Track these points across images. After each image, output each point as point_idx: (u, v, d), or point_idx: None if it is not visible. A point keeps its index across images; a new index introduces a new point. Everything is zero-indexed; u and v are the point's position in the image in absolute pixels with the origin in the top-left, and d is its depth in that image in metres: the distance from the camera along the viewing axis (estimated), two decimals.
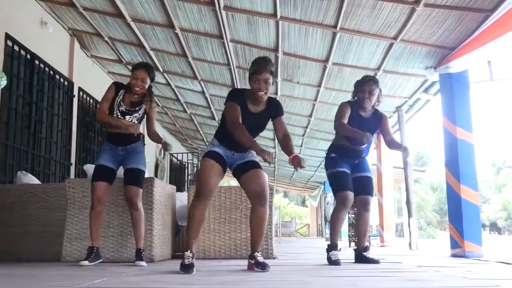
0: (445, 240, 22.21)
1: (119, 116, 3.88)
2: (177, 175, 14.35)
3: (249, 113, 3.26)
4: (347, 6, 4.71)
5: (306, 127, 9.47)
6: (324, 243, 11.64)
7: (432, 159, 42.40)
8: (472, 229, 5.13)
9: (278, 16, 5.23)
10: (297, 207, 36.98)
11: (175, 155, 14.14)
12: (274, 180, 18.79)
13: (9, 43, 5.60)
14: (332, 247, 3.96)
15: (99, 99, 8.10)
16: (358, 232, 4.11)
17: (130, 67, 8.12)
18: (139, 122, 3.99)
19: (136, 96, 3.90)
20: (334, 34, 5.41)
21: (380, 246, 8.93)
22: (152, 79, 3.93)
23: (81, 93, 7.60)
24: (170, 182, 12.74)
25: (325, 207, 15.24)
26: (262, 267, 3.16)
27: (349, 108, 3.94)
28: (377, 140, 8.25)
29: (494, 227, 36.25)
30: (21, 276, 2.85)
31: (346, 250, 7.29)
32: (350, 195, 3.90)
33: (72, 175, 7.11)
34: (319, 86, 7.05)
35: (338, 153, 4.04)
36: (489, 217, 36.97)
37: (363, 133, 3.66)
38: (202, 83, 8.14)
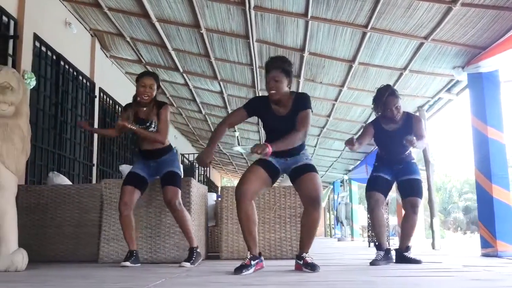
0: (457, 239, 22.14)
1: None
2: (187, 176, 14.33)
3: (276, 117, 3.24)
4: (382, 6, 4.70)
5: (323, 127, 9.47)
6: (338, 244, 11.67)
7: (435, 159, 42.38)
8: (505, 228, 5.11)
9: (309, 16, 5.23)
10: None
11: (186, 155, 14.14)
12: None
13: (37, 44, 5.59)
14: (377, 247, 3.96)
15: (118, 100, 8.24)
16: (403, 233, 4.09)
17: (149, 68, 8.14)
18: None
19: (144, 109, 3.85)
20: (364, 34, 5.41)
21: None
22: (158, 87, 3.90)
23: (101, 94, 7.59)
24: None
25: (337, 207, 15.24)
26: (312, 268, 3.14)
27: (371, 129, 4.06)
28: None
29: None
30: (78, 277, 2.84)
31: (366, 250, 7.29)
32: (375, 194, 3.99)
33: (94, 176, 7.10)
34: (342, 86, 7.05)
35: (380, 161, 4.15)
36: None
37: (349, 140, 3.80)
38: (221, 83, 8.13)
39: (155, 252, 4.32)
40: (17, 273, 3.20)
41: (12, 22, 5.12)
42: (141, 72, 3.97)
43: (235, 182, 30.07)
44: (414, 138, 3.67)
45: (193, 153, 14.53)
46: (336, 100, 7.76)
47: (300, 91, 7.66)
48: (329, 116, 8.69)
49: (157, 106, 3.87)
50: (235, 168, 18.04)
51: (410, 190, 3.97)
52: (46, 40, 5.78)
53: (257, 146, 2.94)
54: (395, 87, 4.40)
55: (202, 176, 16.19)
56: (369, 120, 8.61)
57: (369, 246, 8.70)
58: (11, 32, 5.11)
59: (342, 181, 16.06)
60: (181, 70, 7.79)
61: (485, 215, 5.29)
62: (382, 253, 3.90)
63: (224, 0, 5.38)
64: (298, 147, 3.33)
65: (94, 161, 7.16)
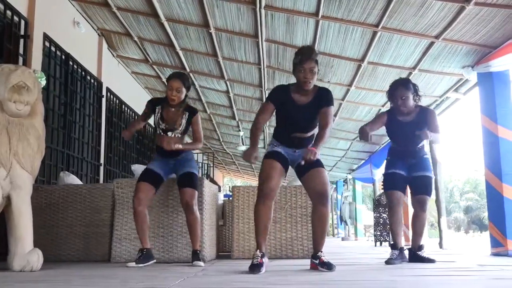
0: (460, 238, 22.12)
1: (162, 134, 3.91)
2: None
3: (296, 106, 3.26)
4: (395, 5, 4.69)
5: None
6: (342, 243, 11.65)
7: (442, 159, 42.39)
8: None
9: (320, 15, 5.22)
10: None
11: None
12: None
13: (47, 43, 5.58)
14: (392, 246, 3.97)
15: (124, 99, 8.23)
16: (414, 231, 4.11)
17: (155, 67, 8.14)
18: (184, 134, 3.98)
19: (173, 109, 3.88)
20: (374, 33, 5.40)
21: (406, 245, 8.90)
22: (187, 89, 3.91)
23: (108, 94, 7.58)
24: None
25: (341, 207, 15.24)
26: (328, 267, 3.14)
27: (384, 117, 4.07)
28: None
29: None
30: (99, 277, 2.84)
31: (374, 249, 7.29)
32: (396, 194, 3.98)
33: (101, 176, 7.10)
34: (350, 85, 7.04)
35: (393, 156, 4.13)
36: None
37: (364, 132, 3.87)
38: (228, 82, 8.13)
39: (167, 252, 4.31)
40: (33, 273, 3.20)
41: (22, 22, 5.10)
42: (170, 74, 3.95)
43: (236, 181, 29.99)
44: (427, 131, 3.74)
45: (197, 153, 14.52)
46: (343, 99, 7.75)
47: None
48: (335, 115, 8.68)
49: (187, 111, 3.90)
50: (237, 168, 18.04)
51: (422, 188, 3.99)
52: (56, 40, 5.77)
53: (308, 154, 3.03)
54: None
55: (204, 175, 16.18)
56: None
57: (375, 245, 8.70)
58: (22, 32, 5.10)
59: (345, 181, 16.06)
60: (187, 69, 7.78)
61: (495, 214, 5.28)
62: (397, 252, 3.91)
63: None
64: (309, 140, 3.37)
65: (101, 161, 7.15)
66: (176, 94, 3.80)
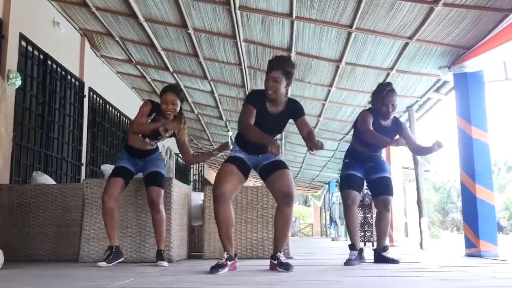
0: (451, 239, 22.23)
1: (141, 138, 3.88)
2: (182, 175, 14.36)
3: (268, 114, 3.27)
4: (365, 6, 4.70)
5: (314, 127, 9.46)
6: (330, 243, 11.66)
7: (434, 159, 42.34)
8: (488, 228, 5.12)
9: (294, 16, 5.23)
10: (300, 207, 36.99)
11: (180, 155, 14.14)
12: None
13: (23, 43, 5.59)
14: (350, 246, 3.98)
15: (109, 99, 8.24)
16: (379, 232, 4.12)
17: (139, 67, 8.15)
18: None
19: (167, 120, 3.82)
20: (349, 34, 5.41)
21: (389, 246, 8.91)
22: (182, 101, 3.85)
23: (91, 93, 7.59)
24: None
25: (331, 207, 15.24)
26: (286, 267, 3.15)
27: (371, 116, 3.94)
28: None
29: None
30: (51, 277, 2.85)
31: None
32: (352, 193, 3.99)
33: (83, 175, 7.11)
34: (330, 86, 7.05)
35: (352, 158, 4.10)
36: None
37: (392, 140, 3.73)
38: (211, 83, 8.14)
39: (135, 251, 4.32)
40: None
41: None
42: (164, 87, 3.87)
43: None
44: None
45: None
46: (325, 100, 7.76)
47: (289, 91, 7.65)
48: (319, 116, 8.69)
49: (179, 121, 3.84)
50: None
51: (383, 189, 3.99)
52: (33, 40, 5.78)
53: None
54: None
55: (197, 175, 16.20)
56: None
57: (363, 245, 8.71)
58: None
59: (337, 181, 16.07)
60: (171, 69, 7.80)
61: (469, 215, 5.29)
62: (356, 252, 3.92)
63: (210, 0, 5.38)
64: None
65: (83, 161, 7.16)
66: (172, 107, 3.74)
